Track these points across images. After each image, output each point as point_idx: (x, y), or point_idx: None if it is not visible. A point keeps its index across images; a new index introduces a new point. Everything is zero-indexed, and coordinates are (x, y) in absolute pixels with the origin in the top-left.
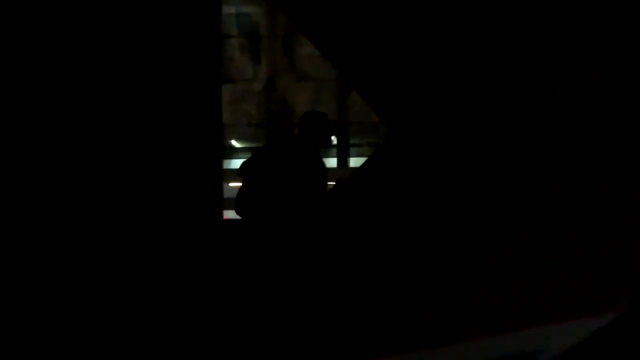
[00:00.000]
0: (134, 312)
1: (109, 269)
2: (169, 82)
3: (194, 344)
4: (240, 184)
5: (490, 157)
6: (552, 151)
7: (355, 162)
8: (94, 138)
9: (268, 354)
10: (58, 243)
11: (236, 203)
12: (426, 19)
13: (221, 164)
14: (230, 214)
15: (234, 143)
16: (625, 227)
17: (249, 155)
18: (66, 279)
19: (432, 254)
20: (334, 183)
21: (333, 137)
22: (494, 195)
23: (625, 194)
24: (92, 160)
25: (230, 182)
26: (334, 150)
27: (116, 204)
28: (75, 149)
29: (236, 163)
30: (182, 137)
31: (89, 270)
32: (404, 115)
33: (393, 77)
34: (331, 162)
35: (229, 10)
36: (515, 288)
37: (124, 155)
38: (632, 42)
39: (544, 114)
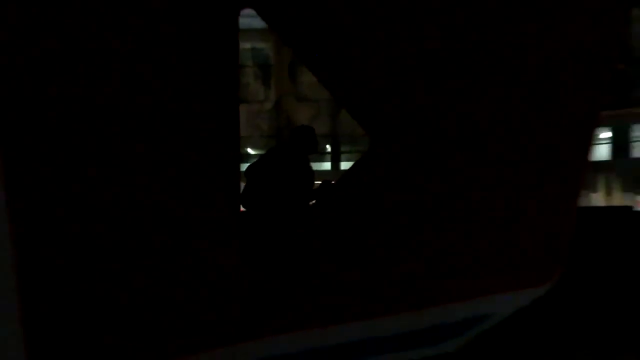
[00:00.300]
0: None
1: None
2: (200, 103)
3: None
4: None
5: (438, 164)
6: (490, 153)
7: (345, 166)
8: (153, 146)
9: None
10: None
11: (241, 198)
12: (397, 60)
13: (239, 167)
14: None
15: (250, 150)
16: (556, 214)
17: None
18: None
19: (394, 236)
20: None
21: (327, 146)
22: (443, 191)
23: (554, 184)
24: (149, 163)
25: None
26: (329, 156)
27: (162, 198)
28: (129, 157)
29: None
30: (210, 146)
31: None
32: (382, 130)
33: (374, 101)
34: (325, 166)
35: (245, 45)
36: (464, 266)
37: (171, 161)
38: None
39: (483, 133)
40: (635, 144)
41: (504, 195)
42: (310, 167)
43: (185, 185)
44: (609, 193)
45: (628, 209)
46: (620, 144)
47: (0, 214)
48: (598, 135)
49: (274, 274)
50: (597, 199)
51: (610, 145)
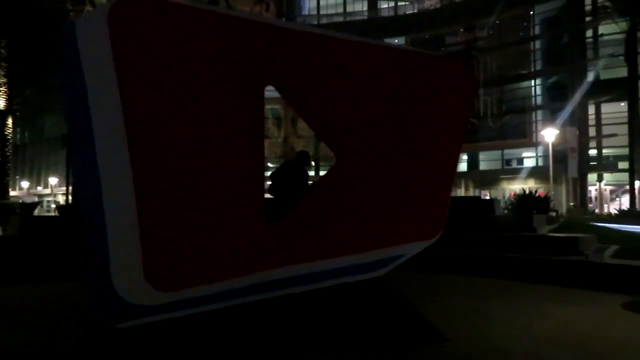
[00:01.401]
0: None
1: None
2: (245, 138)
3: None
4: (269, 182)
5: (366, 168)
6: (399, 166)
7: (322, 172)
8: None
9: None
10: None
11: (269, 190)
12: (343, 120)
13: (264, 173)
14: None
15: (269, 164)
16: (441, 196)
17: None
18: None
19: (343, 208)
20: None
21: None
22: (371, 182)
23: (439, 181)
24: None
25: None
26: (313, 167)
27: (224, 187)
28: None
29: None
30: (250, 161)
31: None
32: (338, 153)
33: (333, 138)
34: (311, 173)
35: (267, 106)
36: (386, 227)
37: (230, 169)
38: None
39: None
40: (481, 163)
41: (415, 188)
42: (307, 173)
43: (237, 183)
44: (467, 189)
45: (477, 197)
46: (472, 162)
47: (131, 198)
48: (461, 157)
49: (281, 228)
50: (460, 192)
51: (467, 162)
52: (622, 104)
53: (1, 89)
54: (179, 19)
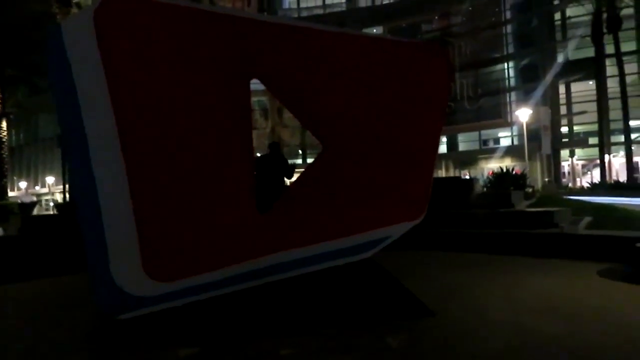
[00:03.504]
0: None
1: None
2: (234, 130)
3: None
4: None
5: (351, 154)
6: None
7: (309, 160)
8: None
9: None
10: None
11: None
12: (327, 108)
13: (254, 160)
14: None
15: (257, 154)
16: (424, 178)
17: None
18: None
19: (333, 194)
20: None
21: (300, 150)
22: (353, 167)
23: (422, 163)
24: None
25: None
26: (300, 156)
27: (215, 174)
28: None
29: None
30: (240, 150)
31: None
32: (324, 141)
33: (318, 126)
34: (299, 161)
35: (254, 98)
36: (366, 210)
37: (221, 157)
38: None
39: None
40: (459, 144)
41: (398, 171)
42: (282, 156)
43: (228, 173)
44: (447, 170)
45: (458, 177)
46: (451, 144)
47: (124, 190)
48: (440, 140)
49: (271, 216)
50: (441, 173)
51: (446, 144)
52: (591, 82)
53: None
54: (163, 17)
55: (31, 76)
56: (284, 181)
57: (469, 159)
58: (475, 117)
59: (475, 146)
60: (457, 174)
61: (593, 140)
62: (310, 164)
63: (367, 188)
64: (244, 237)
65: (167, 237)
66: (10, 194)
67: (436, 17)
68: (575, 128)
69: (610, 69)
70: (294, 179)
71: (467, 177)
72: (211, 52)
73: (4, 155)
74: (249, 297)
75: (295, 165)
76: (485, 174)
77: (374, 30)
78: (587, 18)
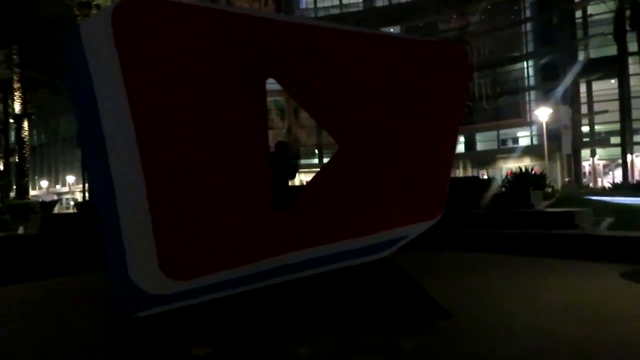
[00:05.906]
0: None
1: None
2: (251, 129)
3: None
4: None
5: (365, 156)
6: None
7: (325, 160)
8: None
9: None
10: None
11: None
12: (343, 111)
13: (269, 157)
14: None
15: None
16: (442, 180)
17: None
18: None
19: (350, 195)
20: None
21: (316, 150)
22: (370, 166)
23: (440, 163)
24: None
25: None
26: (317, 155)
27: (234, 172)
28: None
29: None
30: (257, 148)
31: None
32: (340, 141)
33: (335, 126)
34: (314, 160)
35: (270, 98)
36: (383, 210)
37: (239, 156)
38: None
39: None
40: (478, 143)
41: (416, 171)
42: (286, 156)
43: (244, 172)
44: (465, 169)
45: (476, 177)
46: (469, 143)
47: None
48: (458, 139)
49: (289, 214)
50: (459, 173)
51: (464, 143)
52: (613, 81)
53: (16, 93)
54: (181, 17)
55: (52, 78)
56: (286, 181)
57: (487, 159)
58: (493, 117)
59: (494, 146)
60: (475, 174)
61: (615, 139)
62: (326, 163)
63: (384, 187)
64: (260, 235)
65: (184, 235)
66: (32, 192)
67: (454, 16)
68: (597, 127)
69: (633, 67)
70: (296, 179)
71: (486, 177)
72: (228, 52)
73: (25, 155)
74: (265, 296)
75: (298, 166)
76: (504, 173)
77: (391, 30)
78: (609, 15)
